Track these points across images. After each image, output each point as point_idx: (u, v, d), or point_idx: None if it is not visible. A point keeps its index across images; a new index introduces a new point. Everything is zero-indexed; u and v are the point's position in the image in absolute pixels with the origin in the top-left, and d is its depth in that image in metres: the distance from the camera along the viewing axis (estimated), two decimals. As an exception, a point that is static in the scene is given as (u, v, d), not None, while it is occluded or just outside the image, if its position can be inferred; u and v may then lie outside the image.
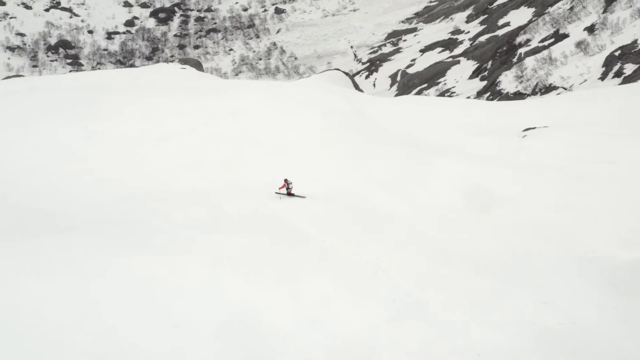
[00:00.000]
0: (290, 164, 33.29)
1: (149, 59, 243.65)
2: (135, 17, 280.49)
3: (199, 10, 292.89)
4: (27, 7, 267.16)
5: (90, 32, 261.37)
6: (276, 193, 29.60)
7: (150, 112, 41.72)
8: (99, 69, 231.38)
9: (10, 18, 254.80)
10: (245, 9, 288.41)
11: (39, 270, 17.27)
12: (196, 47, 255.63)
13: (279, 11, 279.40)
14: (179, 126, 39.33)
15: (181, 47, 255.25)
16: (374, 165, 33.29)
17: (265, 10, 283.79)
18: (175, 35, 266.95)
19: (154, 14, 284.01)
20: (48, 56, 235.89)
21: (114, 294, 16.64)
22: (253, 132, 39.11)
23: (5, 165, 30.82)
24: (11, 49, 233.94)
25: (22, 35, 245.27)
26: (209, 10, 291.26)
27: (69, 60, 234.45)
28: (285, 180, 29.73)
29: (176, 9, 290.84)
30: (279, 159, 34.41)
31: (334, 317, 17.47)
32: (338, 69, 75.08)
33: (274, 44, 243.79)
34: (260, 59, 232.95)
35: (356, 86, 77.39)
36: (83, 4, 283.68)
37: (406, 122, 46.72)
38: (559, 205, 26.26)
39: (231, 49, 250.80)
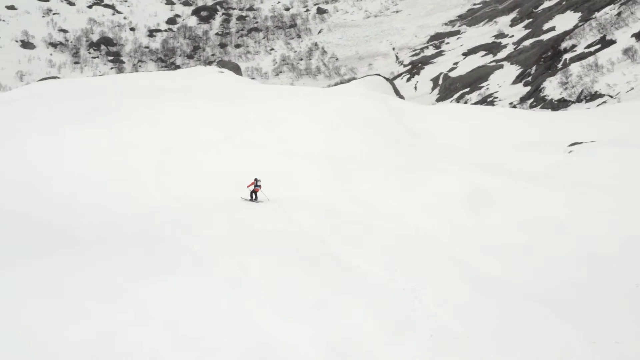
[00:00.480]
0: (327, 179, 31.93)
1: (190, 57, 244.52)
2: (177, 15, 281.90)
3: (241, 9, 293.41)
4: (71, 4, 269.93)
5: (132, 29, 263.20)
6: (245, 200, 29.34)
7: (183, 120, 40.86)
8: (139, 66, 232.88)
9: (54, 14, 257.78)
10: (287, 9, 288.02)
11: (53, 293, 16.39)
12: (237, 46, 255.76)
13: (321, 11, 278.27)
14: (212, 135, 38.39)
15: (222, 46, 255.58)
16: (418, 184, 31.17)
17: (307, 10, 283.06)
18: (216, 34, 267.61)
19: (195, 12, 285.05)
20: (90, 53, 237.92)
21: (137, 320, 15.68)
22: (288, 142, 37.94)
23: (26, 173, 30.08)
24: (54, 45, 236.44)
25: (64, 31, 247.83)
26: (250, 9, 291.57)
27: (110, 58, 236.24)
28: (255, 180, 29.03)
29: (218, 7, 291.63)
30: (314, 172, 33.00)
31: (365, 353, 16.20)
32: (378, 74, 73.52)
33: (316, 44, 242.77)
34: (301, 59, 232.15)
35: (397, 92, 75.80)
36: (126, 1, 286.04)
37: (450, 133, 44.68)
38: (611, 232, 24.53)
39: (272, 49, 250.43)
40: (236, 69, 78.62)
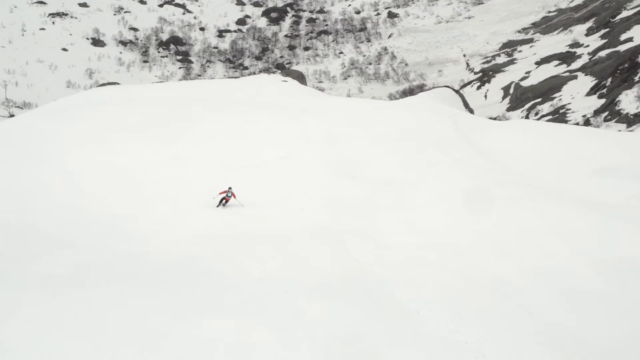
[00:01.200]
0: (388, 205, 29.84)
1: (258, 58, 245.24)
2: (247, 16, 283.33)
3: (311, 12, 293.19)
4: (142, 2, 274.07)
5: (202, 29, 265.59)
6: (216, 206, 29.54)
7: (241, 135, 39.42)
8: (207, 66, 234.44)
9: (125, 12, 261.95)
10: (358, 12, 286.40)
11: (91, 333, 15.41)
12: (306, 48, 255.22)
13: (391, 15, 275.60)
14: (269, 152, 36.75)
15: (291, 48, 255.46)
16: (484, 214, 28.18)
17: (378, 14, 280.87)
18: (285, 36, 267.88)
19: (265, 13, 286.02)
20: (159, 52, 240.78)
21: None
22: (349, 163, 35.98)
23: (70, 191, 28.86)
24: (124, 43, 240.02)
25: (135, 29, 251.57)
26: (321, 11, 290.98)
27: (179, 57, 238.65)
28: (229, 189, 29.50)
29: (288, 9, 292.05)
30: (373, 197, 30.87)
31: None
32: (447, 86, 70.83)
33: (385, 48, 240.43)
34: (370, 64, 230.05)
35: (466, 105, 73.08)
36: (197, 1, 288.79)
37: (522, 154, 41.43)
38: None
39: (341, 52, 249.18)
40: (300, 78, 76.98)
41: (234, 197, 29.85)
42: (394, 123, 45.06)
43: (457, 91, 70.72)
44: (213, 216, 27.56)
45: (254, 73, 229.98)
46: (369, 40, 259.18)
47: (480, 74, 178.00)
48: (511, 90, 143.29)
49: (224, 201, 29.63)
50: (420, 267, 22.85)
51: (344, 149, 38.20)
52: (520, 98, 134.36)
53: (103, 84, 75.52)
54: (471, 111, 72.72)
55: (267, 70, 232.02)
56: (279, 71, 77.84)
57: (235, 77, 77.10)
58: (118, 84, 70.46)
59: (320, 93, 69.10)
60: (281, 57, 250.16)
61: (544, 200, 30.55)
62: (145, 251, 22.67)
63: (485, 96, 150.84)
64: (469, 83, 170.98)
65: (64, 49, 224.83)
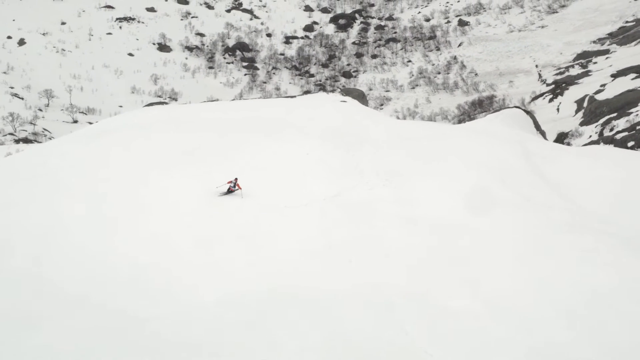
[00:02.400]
0: (454, 260, 26.14)
1: (324, 66, 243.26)
2: (315, 22, 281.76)
3: (379, 18, 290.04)
4: (209, 7, 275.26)
5: (269, 35, 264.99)
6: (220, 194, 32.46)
7: (291, 168, 36.58)
8: (273, 73, 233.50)
9: (192, 17, 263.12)
10: (428, 20, 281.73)
11: None
12: (374, 56, 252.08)
13: (462, 23, 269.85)
14: (318, 190, 33.59)
15: (358, 55, 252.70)
16: (553, 274, 24.09)
17: (448, 22, 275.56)
18: (353, 43, 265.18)
19: (334, 20, 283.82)
20: (225, 58, 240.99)
21: None
22: (409, 203, 32.49)
23: (98, 233, 26.35)
24: (190, 49, 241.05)
25: (201, 35, 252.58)
26: (390, 18, 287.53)
27: (244, 64, 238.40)
28: (236, 179, 32.93)
29: (357, 15, 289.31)
30: (440, 250, 27.05)
31: None
32: (518, 107, 65.92)
33: (455, 57, 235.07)
34: (439, 73, 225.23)
35: (537, 127, 68.29)
36: (264, 7, 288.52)
37: (599, 190, 36.63)
38: None
39: (409, 61, 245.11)
40: (361, 97, 73.23)
41: (239, 187, 32.84)
42: (458, 153, 41.40)
43: (527, 112, 65.85)
44: (251, 270, 24.17)
45: (320, 81, 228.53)
46: (438, 49, 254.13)
47: (553, 85, 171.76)
48: (585, 104, 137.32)
49: (229, 191, 32.67)
50: (482, 335, 19.36)
51: (400, 185, 34.75)
52: (595, 112, 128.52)
53: (150, 104, 72.73)
54: (543, 134, 67.79)
55: (333, 78, 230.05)
56: (338, 89, 74.00)
57: (290, 97, 73.40)
58: (166, 103, 67.95)
59: (380, 116, 65.24)
60: (348, 64, 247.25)
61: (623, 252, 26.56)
62: (161, 315, 19.82)
63: (558, 109, 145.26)
64: (541, 95, 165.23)
65: (130, 54, 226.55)
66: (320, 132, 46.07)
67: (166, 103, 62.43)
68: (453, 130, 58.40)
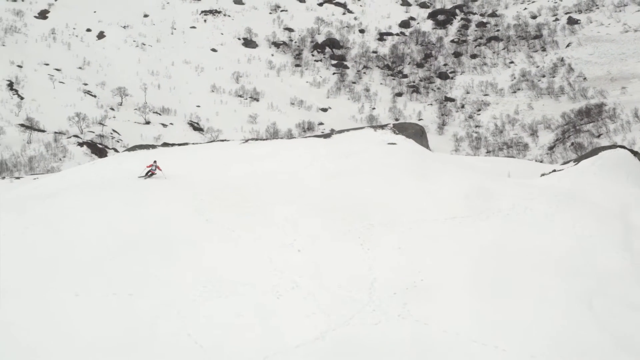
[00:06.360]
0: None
1: (419, 66, 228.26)
2: (412, 18, 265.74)
3: (482, 15, 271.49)
4: (301, 1, 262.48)
5: (362, 31, 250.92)
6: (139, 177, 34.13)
7: (320, 266, 25.75)
8: (364, 72, 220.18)
9: (281, 11, 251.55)
10: (534, 17, 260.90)
11: None
12: (473, 56, 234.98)
13: (572, 21, 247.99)
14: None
15: (457, 55, 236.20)
16: None
17: (557, 20, 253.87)
18: (451, 41, 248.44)
19: (432, 16, 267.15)
20: (313, 55, 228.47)
21: None
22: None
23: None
24: (276, 44, 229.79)
25: (290, 30, 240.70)
26: (493, 15, 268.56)
27: (334, 62, 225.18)
28: (154, 162, 35.67)
29: (457, 11, 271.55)
30: None
31: None
32: (624, 147, 49.61)
33: (562, 59, 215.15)
34: (544, 76, 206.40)
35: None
36: (359, 0, 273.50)
37: None
38: None
39: (511, 62, 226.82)
40: (419, 135, 56.40)
41: (159, 169, 35.05)
42: (537, 249, 27.91)
43: (636, 153, 48.61)
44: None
45: (414, 82, 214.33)
46: (543, 49, 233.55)
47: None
48: None
49: (149, 174, 34.82)
50: None
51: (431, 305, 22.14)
52: None
53: (133, 147, 57.31)
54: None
55: (427, 79, 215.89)
56: (390, 125, 58.28)
57: (326, 136, 57.58)
58: (155, 146, 53.60)
59: (446, 159, 50.52)
60: (445, 64, 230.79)
61: None
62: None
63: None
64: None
65: (213, 49, 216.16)
66: (363, 200, 33.52)
67: (155, 147, 50.97)
68: (536, 184, 42.89)
